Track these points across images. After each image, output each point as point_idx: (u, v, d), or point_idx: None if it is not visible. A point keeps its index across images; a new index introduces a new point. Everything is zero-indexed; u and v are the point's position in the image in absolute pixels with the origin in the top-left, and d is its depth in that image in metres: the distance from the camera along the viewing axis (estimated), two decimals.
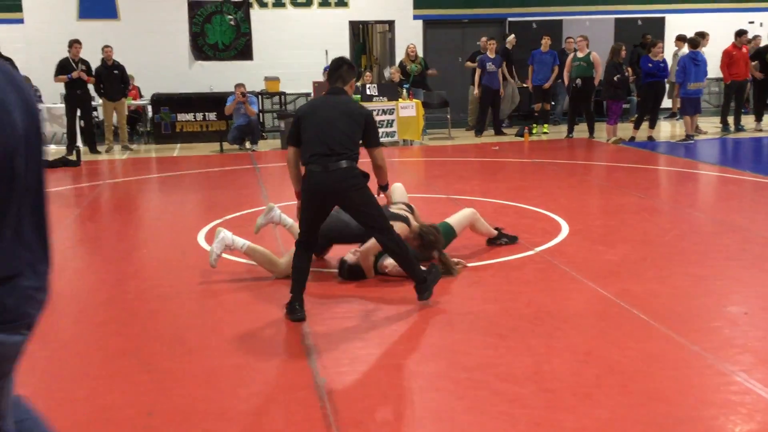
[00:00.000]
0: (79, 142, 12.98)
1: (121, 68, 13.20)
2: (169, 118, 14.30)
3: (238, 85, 13.01)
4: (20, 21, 15.14)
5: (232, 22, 15.97)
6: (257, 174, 10.42)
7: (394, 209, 5.45)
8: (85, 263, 6.23)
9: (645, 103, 13.04)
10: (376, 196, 4.76)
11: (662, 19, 17.46)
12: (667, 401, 3.33)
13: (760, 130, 13.77)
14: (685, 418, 3.20)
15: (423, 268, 4.78)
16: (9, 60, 9.66)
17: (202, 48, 15.95)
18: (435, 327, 4.44)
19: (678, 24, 16.89)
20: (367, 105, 11.59)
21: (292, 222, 5.72)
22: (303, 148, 4.63)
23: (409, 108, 13.04)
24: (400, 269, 5.24)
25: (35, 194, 1.73)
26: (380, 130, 10.37)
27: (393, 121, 13.07)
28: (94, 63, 13.07)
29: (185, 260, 5.98)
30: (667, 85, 14.03)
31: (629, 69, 14.09)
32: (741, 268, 5.40)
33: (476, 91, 14.23)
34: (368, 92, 13.10)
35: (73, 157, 11.79)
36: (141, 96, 15.27)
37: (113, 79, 13.07)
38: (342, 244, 5.61)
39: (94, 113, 14.13)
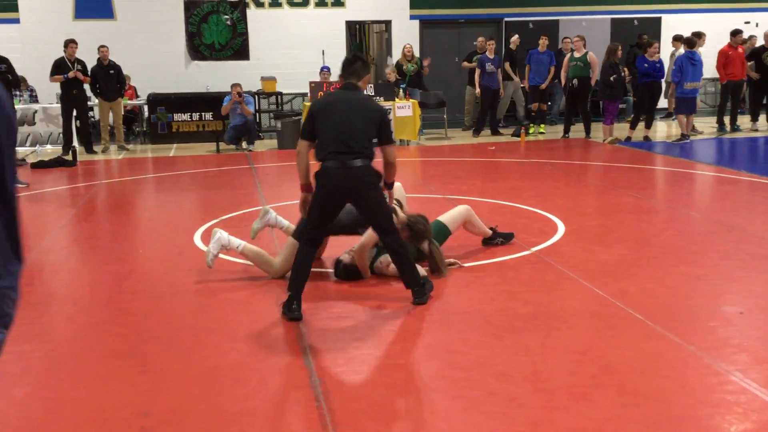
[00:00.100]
0: (75, 142, 12.96)
1: (117, 68, 13.18)
2: (165, 118, 14.28)
3: (235, 85, 13.00)
4: (16, 21, 15.12)
5: (228, 22, 15.96)
6: (254, 174, 10.41)
7: None
8: (80, 263, 6.22)
9: (641, 103, 13.06)
10: None
11: (658, 19, 17.49)
12: (663, 401, 3.34)
13: (756, 130, 13.80)
14: (681, 417, 3.21)
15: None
16: (5, 60, 9.63)
17: (199, 48, 15.94)
18: (431, 327, 4.44)
19: (674, 24, 16.92)
20: None
21: (288, 224, 5.71)
22: (319, 144, 4.62)
23: (405, 108, 13.04)
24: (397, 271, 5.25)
25: (3, 193, 1.71)
26: None
27: (389, 121, 13.07)
28: (91, 63, 13.05)
29: (181, 260, 5.98)
30: (664, 85, 14.04)
31: (625, 69, 14.12)
32: (737, 267, 5.41)
33: (477, 90, 14.23)
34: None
35: (69, 157, 11.78)
36: (137, 96, 15.25)
37: (109, 79, 13.05)
38: (331, 236, 5.55)
39: (90, 113, 14.11)
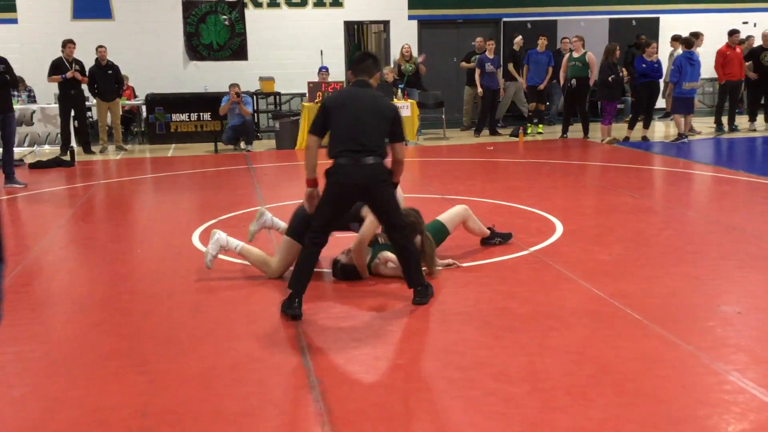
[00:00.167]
0: (73, 143, 12.95)
1: (115, 68, 13.18)
2: (163, 118, 14.28)
3: (233, 85, 13.00)
4: (14, 21, 15.11)
5: (226, 22, 15.96)
6: (252, 174, 10.41)
7: None
8: (79, 264, 6.22)
9: (639, 104, 13.07)
10: None
11: (656, 20, 17.50)
12: (661, 400, 3.34)
13: (754, 131, 13.81)
14: (679, 417, 3.21)
15: None
16: (4, 60, 9.62)
17: (197, 48, 15.93)
18: (429, 327, 4.44)
19: (672, 24, 16.94)
20: None
21: (284, 224, 5.71)
22: (332, 141, 4.61)
23: (403, 108, 13.03)
24: (395, 270, 5.25)
25: None
26: None
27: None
28: (89, 63, 13.04)
29: (180, 260, 5.98)
30: (662, 85, 14.05)
31: (623, 69, 14.13)
32: (734, 267, 5.41)
33: (479, 90, 14.25)
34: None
35: (67, 158, 11.77)
36: (135, 96, 15.25)
37: (107, 79, 13.04)
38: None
39: (88, 113, 14.10)
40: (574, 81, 13.10)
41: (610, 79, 12.66)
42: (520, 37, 15.15)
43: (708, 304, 4.67)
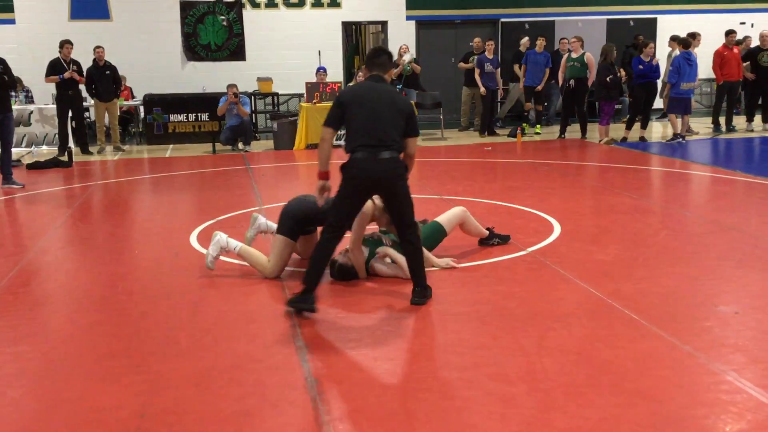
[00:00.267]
0: (71, 143, 12.95)
1: (113, 69, 13.17)
2: (161, 118, 14.28)
3: (231, 86, 13.00)
4: (12, 21, 15.11)
5: (224, 23, 15.96)
6: (250, 175, 10.41)
7: None
8: (76, 264, 6.21)
9: (637, 104, 13.08)
10: None
11: (654, 20, 17.52)
12: (659, 400, 3.35)
13: (752, 131, 13.83)
14: (676, 417, 3.21)
15: None
16: (2, 61, 9.63)
17: (195, 48, 15.93)
18: (427, 327, 4.45)
19: (670, 25, 16.95)
20: None
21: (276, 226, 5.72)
22: (348, 135, 4.63)
23: None
24: (394, 269, 5.26)
25: None
26: None
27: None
28: (86, 64, 13.04)
29: (177, 261, 5.98)
30: (660, 86, 14.06)
31: (621, 70, 14.14)
32: (732, 267, 5.42)
33: (482, 89, 14.26)
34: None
35: (65, 158, 11.77)
36: (133, 96, 15.24)
37: (105, 79, 13.04)
38: (311, 226, 5.55)
39: (86, 114, 14.09)
40: (572, 81, 13.11)
41: (608, 79, 12.67)
42: (527, 38, 15.14)
43: (705, 304, 4.68)
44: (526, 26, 16.82)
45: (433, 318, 4.55)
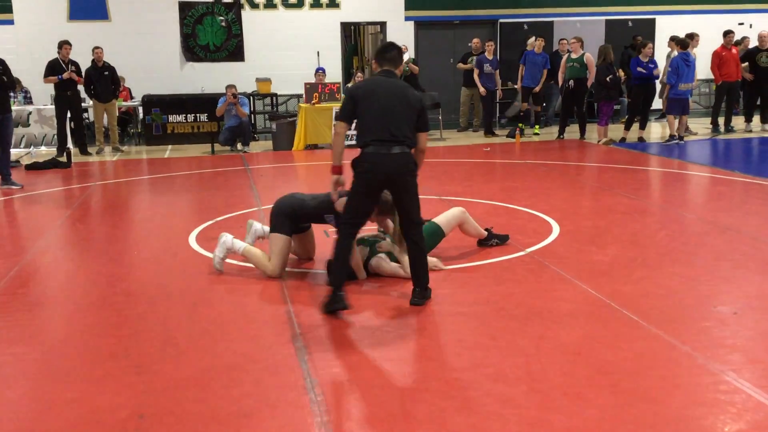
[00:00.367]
0: (70, 144, 12.94)
1: (111, 69, 13.17)
2: (160, 119, 14.28)
3: (230, 87, 12.99)
4: (11, 22, 15.09)
5: (223, 24, 15.95)
6: (249, 175, 10.41)
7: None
8: (75, 265, 6.21)
9: (635, 105, 13.09)
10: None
11: (653, 21, 17.54)
12: (657, 401, 3.35)
13: (750, 131, 13.84)
14: (675, 417, 3.22)
15: None
16: (2, 62, 9.63)
17: (194, 49, 15.92)
18: (426, 327, 4.45)
19: (668, 25, 16.96)
20: None
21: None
22: (360, 130, 4.63)
23: None
24: (393, 269, 5.26)
25: None
26: None
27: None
28: (85, 64, 13.03)
29: (176, 262, 5.98)
30: (659, 86, 14.07)
31: (620, 70, 14.14)
32: (730, 268, 5.43)
33: (481, 90, 14.29)
34: None
35: (64, 159, 11.76)
36: (132, 97, 15.23)
37: (104, 80, 13.03)
38: (301, 224, 5.56)
39: (85, 115, 14.08)
40: (572, 82, 13.12)
41: (608, 79, 12.68)
42: (533, 39, 15.12)
43: (704, 305, 4.68)
44: (525, 27, 16.83)
45: (432, 318, 4.55)
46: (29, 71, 14.03)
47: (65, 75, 12.57)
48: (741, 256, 5.71)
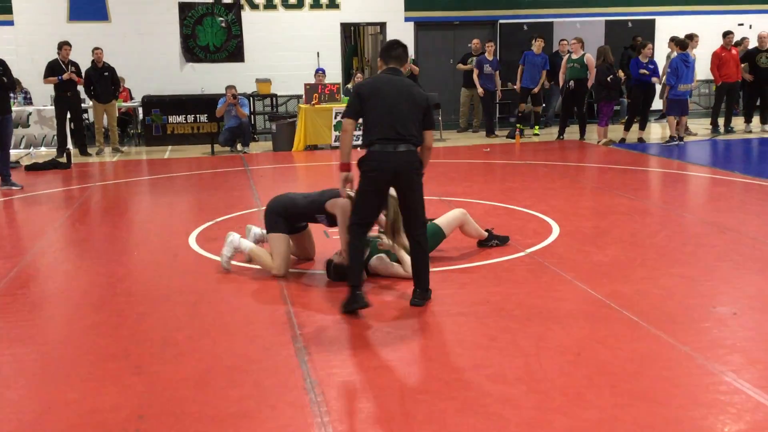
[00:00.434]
0: (70, 145, 12.94)
1: (111, 70, 13.17)
2: (160, 120, 14.28)
3: (229, 87, 13.00)
4: (10, 23, 15.09)
5: (223, 24, 15.95)
6: (248, 176, 10.41)
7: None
8: (75, 266, 6.21)
9: (635, 105, 13.10)
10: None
11: (652, 21, 17.54)
12: (657, 401, 3.35)
13: (750, 132, 13.85)
14: (675, 418, 3.22)
15: None
16: (2, 62, 9.62)
17: (193, 50, 15.92)
18: (425, 328, 4.45)
19: (668, 26, 16.96)
20: None
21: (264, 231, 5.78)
22: (366, 129, 4.63)
23: None
24: (393, 269, 5.26)
25: None
26: None
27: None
28: (85, 65, 13.03)
29: (176, 262, 5.98)
30: (658, 87, 14.07)
31: (620, 71, 14.15)
32: (730, 268, 5.43)
33: (480, 90, 14.30)
34: None
35: (64, 160, 11.75)
36: (132, 98, 15.23)
37: (104, 81, 13.03)
38: (295, 224, 5.56)
39: (85, 115, 14.08)
40: (572, 83, 13.12)
41: (609, 79, 12.68)
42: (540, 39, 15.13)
43: (703, 305, 4.68)
44: (525, 27, 16.84)
45: (433, 319, 4.55)
46: (29, 72, 14.03)
47: (65, 76, 12.57)
48: (741, 256, 5.71)
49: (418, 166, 4.65)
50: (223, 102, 13.00)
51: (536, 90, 14.04)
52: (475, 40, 15.14)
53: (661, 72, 13.73)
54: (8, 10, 15.08)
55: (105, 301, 5.08)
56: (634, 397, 3.40)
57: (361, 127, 4.71)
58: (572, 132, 13.79)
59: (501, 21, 17.15)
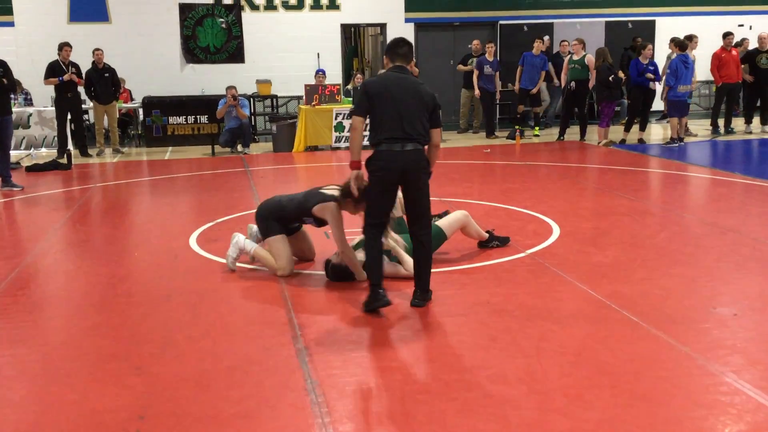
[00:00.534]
0: (70, 146, 12.94)
1: (111, 71, 13.18)
2: (160, 121, 14.28)
3: (230, 88, 13.00)
4: (11, 24, 15.10)
5: (223, 25, 15.96)
6: (249, 177, 10.41)
7: (325, 190, 5.38)
8: (76, 266, 6.21)
9: (635, 106, 13.10)
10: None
11: (652, 22, 17.54)
12: (657, 402, 3.35)
13: (750, 133, 13.85)
14: (675, 418, 3.22)
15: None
16: (3, 63, 9.63)
17: (194, 51, 15.93)
18: (426, 329, 4.45)
19: (668, 27, 16.96)
20: None
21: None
22: (374, 128, 4.63)
23: None
24: (392, 269, 5.26)
25: None
26: None
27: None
28: (85, 66, 13.04)
29: (176, 263, 5.98)
30: (659, 88, 14.07)
31: (620, 72, 14.15)
32: (731, 269, 5.43)
33: (477, 92, 14.32)
34: None
35: (64, 161, 11.76)
36: (132, 99, 15.24)
37: (104, 82, 13.04)
38: (285, 225, 5.54)
39: (85, 116, 14.09)
40: (573, 84, 13.13)
41: (610, 78, 12.68)
42: (546, 38, 15.10)
43: (704, 306, 4.68)
44: (525, 28, 16.84)
45: (433, 320, 4.56)
46: (29, 73, 14.03)
47: (66, 77, 12.58)
48: (741, 257, 5.71)
49: (425, 165, 4.66)
50: (223, 103, 13.00)
51: (534, 91, 14.04)
52: (475, 41, 15.14)
53: (661, 73, 13.73)
54: (8, 11, 15.08)
55: (105, 302, 5.08)
56: (635, 397, 3.40)
57: (368, 126, 4.71)
58: (572, 133, 13.79)
59: (501, 22, 17.16)
